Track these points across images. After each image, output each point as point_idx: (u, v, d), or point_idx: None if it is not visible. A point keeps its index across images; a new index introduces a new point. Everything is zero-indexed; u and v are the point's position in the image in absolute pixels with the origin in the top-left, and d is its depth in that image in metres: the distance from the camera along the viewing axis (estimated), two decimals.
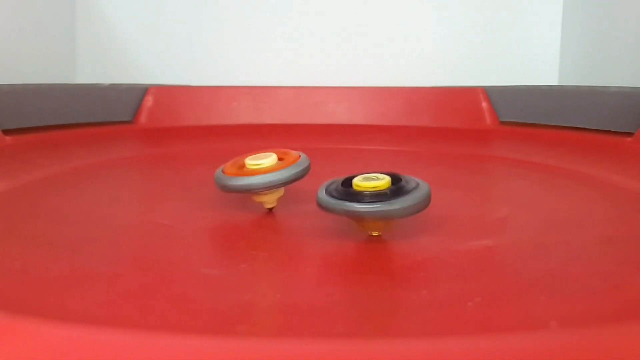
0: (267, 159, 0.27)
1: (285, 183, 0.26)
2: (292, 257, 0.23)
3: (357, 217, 0.23)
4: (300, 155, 0.28)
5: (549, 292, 0.18)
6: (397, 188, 0.23)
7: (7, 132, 0.48)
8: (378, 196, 0.22)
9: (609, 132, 0.52)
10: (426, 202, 0.23)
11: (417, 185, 0.23)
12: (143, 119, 0.62)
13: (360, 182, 0.23)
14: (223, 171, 0.27)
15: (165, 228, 0.26)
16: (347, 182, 0.23)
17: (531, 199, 0.34)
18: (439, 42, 0.76)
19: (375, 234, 0.24)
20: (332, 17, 0.76)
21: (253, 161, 0.27)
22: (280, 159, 0.27)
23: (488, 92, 0.63)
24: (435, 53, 0.76)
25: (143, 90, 0.63)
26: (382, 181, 0.23)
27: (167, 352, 0.12)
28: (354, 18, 0.76)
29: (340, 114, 0.64)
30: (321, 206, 0.23)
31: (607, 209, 0.31)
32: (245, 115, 0.64)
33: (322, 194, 0.23)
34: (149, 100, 0.63)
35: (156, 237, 0.25)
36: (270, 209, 0.28)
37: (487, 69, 0.75)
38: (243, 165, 0.27)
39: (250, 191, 0.26)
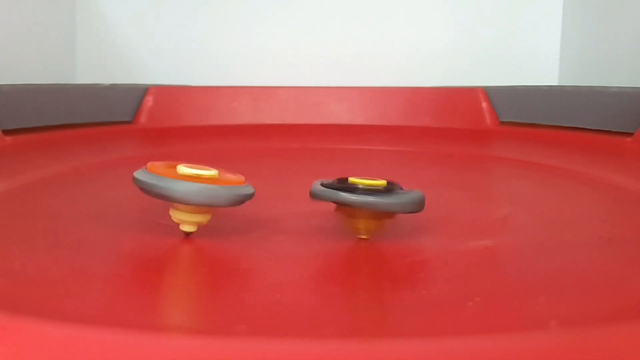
0: (202, 171, 0.22)
1: (205, 202, 0.21)
2: (289, 257, 0.23)
3: (350, 206, 0.22)
4: (244, 181, 0.23)
5: (549, 292, 0.18)
6: (392, 188, 0.23)
7: (7, 132, 0.48)
8: (373, 191, 0.22)
9: (609, 132, 0.52)
10: (419, 204, 0.23)
11: (411, 190, 0.24)
12: (143, 119, 0.62)
13: (357, 179, 0.23)
14: (148, 167, 0.22)
15: (165, 228, 0.26)
16: (343, 180, 0.24)
17: (531, 199, 0.34)
18: (440, 42, 0.76)
19: (364, 236, 0.23)
20: (332, 17, 0.76)
21: (187, 168, 0.22)
22: (221, 177, 0.23)
23: (488, 92, 0.63)
24: (435, 53, 0.76)
25: (143, 90, 0.63)
26: (378, 181, 0.23)
27: (167, 352, 0.12)
28: (354, 18, 0.76)
29: (340, 114, 0.64)
30: (315, 195, 0.23)
31: (607, 209, 0.31)
32: (245, 115, 0.64)
33: (316, 186, 0.23)
34: (149, 100, 0.63)
35: (156, 237, 0.25)
36: (188, 234, 0.23)
37: (487, 69, 0.75)
38: (174, 168, 0.22)
39: (164, 197, 0.21)
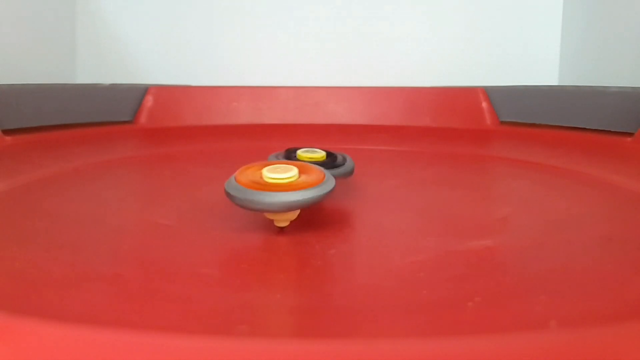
0: (287, 174, 0.24)
1: (301, 206, 0.23)
2: (293, 257, 0.23)
3: None
4: (324, 175, 0.25)
5: (549, 292, 0.18)
6: (330, 160, 0.30)
7: (7, 132, 0.48)
8: (315, 163, 0.28)
9: (609, 132, 0.52)
10: (350, 172, 0.30)
11: (345, 160, 0.30)
12: (143, 119, 0.62)
13: (303, 154, 0.30)
14: (236, 179, 0.24)
15: (165, 228, 0.26)
16: (292, 151, 0.31)
17: (531, 199, 0.34)
18: (439, 42, 0.76)
19: None
20: (332, 17, 0.76)
21: (271, 174, 0.24)
22: (301, 174, 0.25)
23: (488, 92, 0.63)
24: (435, 53, 0.76)
25: (143, 90, 0.63)
26: (318, 154, 0.30)
27: (167, 352, 0.12)
28: (354, 18, 0.76)
29: (340, 114, 0.64)
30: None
31: (607, 209, 0.31)
32: (245, 115, 0.64)
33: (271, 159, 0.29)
34: (149, 100, 0.63)
35: (156, 237, 0.25)
36: (282, 228, 0.25)
37: (487, 69, 0.75)
38: (259, 175, 0.25)
39: (259, 210, 0.24)
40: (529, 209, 0.31)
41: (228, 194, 0.24)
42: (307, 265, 0.22)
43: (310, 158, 0.29)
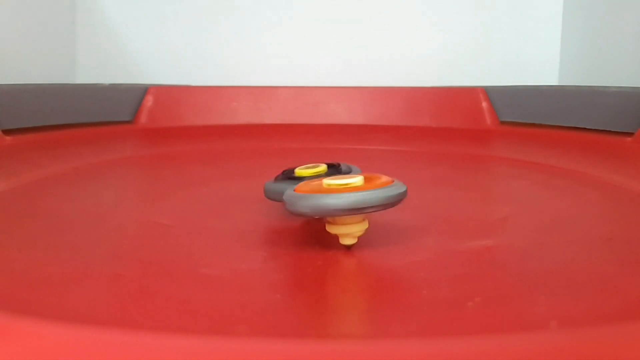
0: (352, 179, 0.22)
1: (371, 207, 0.20)
2: (292, 257, 0.23)
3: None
4: (393, 180, 0.22)
5: (549, 292, 0.18)
6: (333, 172, 0.26)
7: (7, 132, 0.48)
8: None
9: (609, 132, 0.51)
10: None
11: (350, 170, 0.27)
12: (143, 119, 0.62)
13: (302, 171, 0.27)
14: (295, 189, 0.22)
15: (165, 228, 0.26)
16: (289, 173, 0.27)
17: (531, 199, 0.34)
18: (439, 42, 0.76)
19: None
20: (332, 17, 0.76)
21: (333, 181, 0.22)
22: (367, 181, 0.22)
23: (488, 92, 0.63)
24: (435, 53, 0.76)
25: (143, 90, 0.63)
26: (320, 168, 0.27)
27: (167, 352, 0.12)
28: (354, 18, 0.76)
29: (340, 114, 0.64)
30: (268, 195, 0.26)
31: (607, 209, 0.31)
32: (245, 115, 0.64)
33: (269, 185, 0.27)
34: (149, 100, 0.63)
35: (156, 237, 0.25)
36: (349, 247, 0.22)
37: (487, 69, 0.75)
38: (320, 186, 0.22)
39: (326, 214, 0.21)
40: (529, 209, 0.31)
41: (291, 204, 0.21)
42: (307, 264, 0.22)
43: (307, 173, 0.27)
